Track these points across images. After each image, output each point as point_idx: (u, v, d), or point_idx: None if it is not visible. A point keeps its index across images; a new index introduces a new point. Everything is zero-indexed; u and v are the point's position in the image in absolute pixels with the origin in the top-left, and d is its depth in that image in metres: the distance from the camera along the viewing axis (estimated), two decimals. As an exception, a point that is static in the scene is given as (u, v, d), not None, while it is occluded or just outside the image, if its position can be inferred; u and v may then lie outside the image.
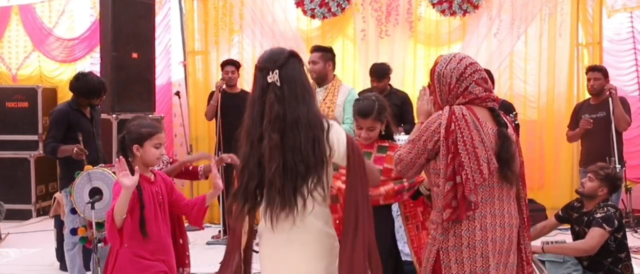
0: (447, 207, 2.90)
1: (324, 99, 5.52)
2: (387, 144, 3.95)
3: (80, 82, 5.50)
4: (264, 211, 2.70)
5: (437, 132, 2.94)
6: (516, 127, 6.12)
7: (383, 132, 3.94)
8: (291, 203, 2.62)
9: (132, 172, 3.43)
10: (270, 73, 2.69)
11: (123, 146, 3.65)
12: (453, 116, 2.92)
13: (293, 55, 2.78)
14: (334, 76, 5.82)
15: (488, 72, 6.48)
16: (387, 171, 3.80)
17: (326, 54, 5.71)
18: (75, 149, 5.13)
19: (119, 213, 3.37)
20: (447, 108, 2.97)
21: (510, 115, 5.95)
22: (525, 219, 3.10)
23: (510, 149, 2.97)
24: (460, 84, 3.01)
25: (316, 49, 5.80)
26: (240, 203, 2.71)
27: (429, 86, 3.25)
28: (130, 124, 3.75)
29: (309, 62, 5.46)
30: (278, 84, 2.68)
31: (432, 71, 3.12)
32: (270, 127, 2.63)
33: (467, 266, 2.92)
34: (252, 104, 2.74)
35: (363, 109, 3.87)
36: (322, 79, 5.67)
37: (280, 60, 2.72)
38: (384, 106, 3.88)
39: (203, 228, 4.17)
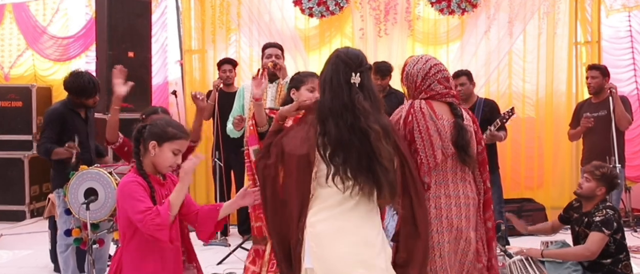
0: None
1: (278, 95, 5.25)
2: None
3: (72, 79, 5.41)
4: (351, 189, 2.96)
5: (397, 123, 3.37)
6: (504, 128, 6.18)
7: None
8: (381, 188, 2.98)
9: (141, 168, 3.22)
10: (354, 75, 3.02)
11: (139, 137, 3.29)
12: (412, 109, 3.37)
13: (371, 68, 3.16)
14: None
15: (469, 72, 6.55)
16: None
17: (282, 51, 5.54)
18: (68, 143, 5.09)
19: (176, 207, 3.12)
20: (408, 102, 3.44)
21: (503, 114, 5.99)
22: (485, 200, 3.49)
23: (465, 137, 3.37)
24: (424, 82, 3.46)
25: (275, 45, 5.56)
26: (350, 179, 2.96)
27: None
28: (157, 119, 3.46)
29: (271, 56, 5.27)
30: (357, 86, 3.01)
31: (402, 71, 3.58)
32: (372, 119, 2.97)
33: None
34: (338, 86, 3.00)
35: (306, 73, 4.25)
36: (283, 75, 5.38)
37: (364, 66, 3.07)
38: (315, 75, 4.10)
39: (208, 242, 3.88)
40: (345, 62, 3.04)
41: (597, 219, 4.58)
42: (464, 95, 6.45)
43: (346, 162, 2.95)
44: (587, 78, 6.66)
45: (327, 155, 2.97)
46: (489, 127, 6.15)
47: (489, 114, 6.21)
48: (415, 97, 3.48)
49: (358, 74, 3.02)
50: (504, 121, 6.08)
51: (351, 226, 3.00)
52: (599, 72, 6.57)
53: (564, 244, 4.98)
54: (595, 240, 4.54)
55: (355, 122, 2.95)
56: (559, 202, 7.26)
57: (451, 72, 8.15)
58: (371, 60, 7.45)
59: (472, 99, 6.45)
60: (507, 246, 4.96)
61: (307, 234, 3.01)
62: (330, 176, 2.97)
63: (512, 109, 6.16)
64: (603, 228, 4.53)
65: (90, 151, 5.50)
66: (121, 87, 4.52)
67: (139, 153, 3.27)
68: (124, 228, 3.22)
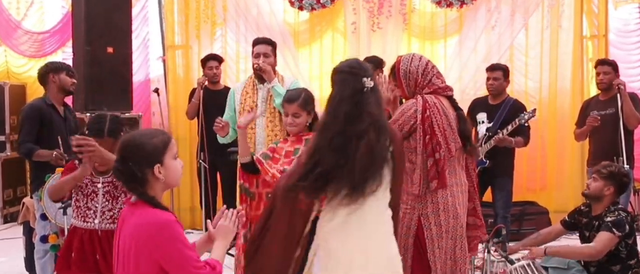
0: (433, 178, 3.73)
1: (269, 97, 5.11)
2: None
3: (47, 63, 5.56)
4: (353, 200, 3.03)
5: (413, 117, 3.76)
6: (527, 129, 6.24)
7: (308, 123, 4.28)
8: (385, 194, 3.11)
9: (159, 203, 2.74)
10: (366, 79, 3.12)
11: (131, 179, 2.73)
12: (427, 104, 3.75)
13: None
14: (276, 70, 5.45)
15: (506, 68, 6.58)
16: None
17: (273, 47, 5.42)
18: (55, 153, 5.07)
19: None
20: (419, 97, 3.80)
21: (522, 115, 6.02)
22: (474, 185, 4.04)
23: (468, 127, 3.92)
24: (425, 77, 3.88)
25: (265, 41, 5.43)
26: (314, 188, 3.02)
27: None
28: (127, 140, 2.82)
29: (260, 55, 5.17)
30: (371, 90, 3.12)
31: (397, 69, 3.95)
32: (371, 129, 3.04)
33: (443, 226, 3.79)
34: (339, 102, 3.09)
35: (290, 95, 4.33)
36: (268, 77, 5.16)
37: (370, 71, 3.21)
38: (311, 96, 4.31)
39: None
40: (352, 73, 3.15)
41: (609, 219, 4.60)
42: (495, 90, 6.45)
43: (344, 180, 3.01)
44: (598, 74, 6.57)
45: (324, 182, 3.02)
46: (499, 130, 6.16)
47: (514, 117, 6.19)
48: (417, 93, 3.88)
49: (368, 79, 3.13)
50: (522, 121, 6.08)
51: (361, 235, 3.10)
52: (611, 68, 6.52)
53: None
54: (603, 239, 4.54)
55: (361, 132, 3.03)
56: (563, 205, 7.25)
57: (449, 68, 8.25)
58: (364, 55, 7.53)
59: (502, 97, 6.46)
60: (509, 247, 4.95)
61: (316, 246, 3.14)
62: (333, 200, 3.05)
63: (534, 110, 6.17)
64: (613, 228, 4.54)
65: (70, 152, 5.48)
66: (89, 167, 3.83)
67: (146, 192, 2.75)
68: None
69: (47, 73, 5.45)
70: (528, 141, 6.39)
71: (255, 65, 5.12)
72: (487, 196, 6.59)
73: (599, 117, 6.38)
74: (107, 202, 3.85)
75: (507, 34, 8.14)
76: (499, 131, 6.16)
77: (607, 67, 6.54)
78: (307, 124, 4.28)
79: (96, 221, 3.82)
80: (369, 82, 3.12)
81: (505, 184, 6.42)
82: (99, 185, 3.87)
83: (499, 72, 6.47)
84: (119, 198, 3.84)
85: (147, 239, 2.63)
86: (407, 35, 8.39)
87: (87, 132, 3.84)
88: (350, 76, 3.14)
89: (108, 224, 3.80)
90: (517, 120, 6.07)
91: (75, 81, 5.56)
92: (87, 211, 3.85)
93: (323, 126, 3.11)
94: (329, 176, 3.00)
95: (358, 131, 3.03)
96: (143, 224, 2.66)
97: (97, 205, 3.84)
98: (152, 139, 2.78)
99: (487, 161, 6.17)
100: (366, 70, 3.18)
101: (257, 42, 5.39)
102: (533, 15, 8.11)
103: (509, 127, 6.09)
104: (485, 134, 6.27)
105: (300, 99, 4.21)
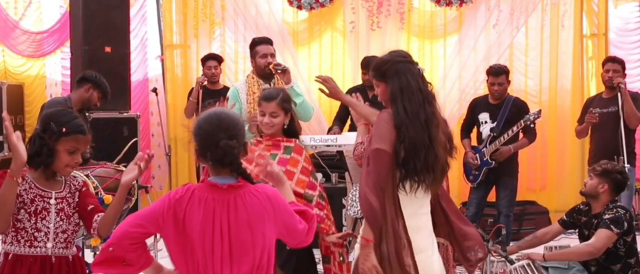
0: None
1: None
2: (292, 144, 4.15)
3: (99, 76, 5.68)
4: (431, 186, 3.29)
5: None
6: (533, 130, 6.23)
7: (285, 126, 4.14)
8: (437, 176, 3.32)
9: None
10: (421, 67, 3.33)
11: (231, 153, 2.61)
12: None
13: None
14: None
15: (508, 70, 6.50)
16: (290, 173, 4.03)
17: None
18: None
19: None
20: None
21: (528, 116, 6.01)
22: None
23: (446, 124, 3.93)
24: None
25: (268, 41, 5.45)
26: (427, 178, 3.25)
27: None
28: (231, 117, 2.70)
29: (267, 55, 5.19)
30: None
31: None
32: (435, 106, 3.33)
33: None
34: (416, 89, 3.25)
35: (268, 93, 4.19)
36: (287, 79, 5.22)
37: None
38: (289, 96, 4.19)
39: None
40: (410, 62, 3.32)
41: (607, 216, 4.60)
42: (499, 95, 6.41)
43: (417, 164, 3.20)
44: (607, 71, 6.50)
45: (401, 160, 3.20)
46: (496, 143, 6.17)
47: (516, 115, 6.18)
48: None
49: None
50: (528, 122, 6.06)
51: (426, 227, 3.34)
52: (620, 66, 6.49)
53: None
54: (601, 237, 4.54)
55: (429, 109, 3.25)
56: (564, 205, 7.23)
57: (448, 67, 8.24)
58: (363, 55, 7.51)
59: (503, 96, 6.47)
60: (508, 247, 4.96)
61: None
62: (401, 181, 3.23)
63: (539, 111, 6.15)
64: (611, 226, 4.53)
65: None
66: (21, 147, 3.01)
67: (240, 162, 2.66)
68: (263, 253, 2.65)
69: (87, 80, 5.54)
70: (534, 139, 6.39)
71: (273, 66, 5.12)
72: (492, 196, 6.59)
73: (598, 115, 6.37)
74: (61, 222, 3.10)
75: (506, 33, 8.14)
76: (496, 143, 6.17)
77: (617, 65, 6.48)
78: (285, 126, 4.14)
79: (49, 244, 3.06)
80: (422, 70, 3.32)
81: (509, 183, 6.42)
82: (52, 201, 3.09)
83: (503, 77, 6.39)
84: (72, 218, 3.14)
85: (275, 208, 2.66)
86: (406, 34, 8.39)
87: (64, 130, 3.07)
88: (410, 64, 3.31)
89: (62, 249, 3.10)
90: (522, 121, 6.06)
91: (99, 104, 5.64)
92: (35, 234, 3.05)
93: (410, 112, 3.21)
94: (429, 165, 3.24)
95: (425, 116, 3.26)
96: (269, 196, 2.67)
97: (49, 225, 3.07)
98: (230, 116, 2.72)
99: (492, 162, 6.18)
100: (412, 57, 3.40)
101: (261, 41, 5.37)
102: (533, 14, 8.12)
103: (515, 128, 6.08)
104: (489, 135, 6.27)
105: (279, 97, 4.07)
